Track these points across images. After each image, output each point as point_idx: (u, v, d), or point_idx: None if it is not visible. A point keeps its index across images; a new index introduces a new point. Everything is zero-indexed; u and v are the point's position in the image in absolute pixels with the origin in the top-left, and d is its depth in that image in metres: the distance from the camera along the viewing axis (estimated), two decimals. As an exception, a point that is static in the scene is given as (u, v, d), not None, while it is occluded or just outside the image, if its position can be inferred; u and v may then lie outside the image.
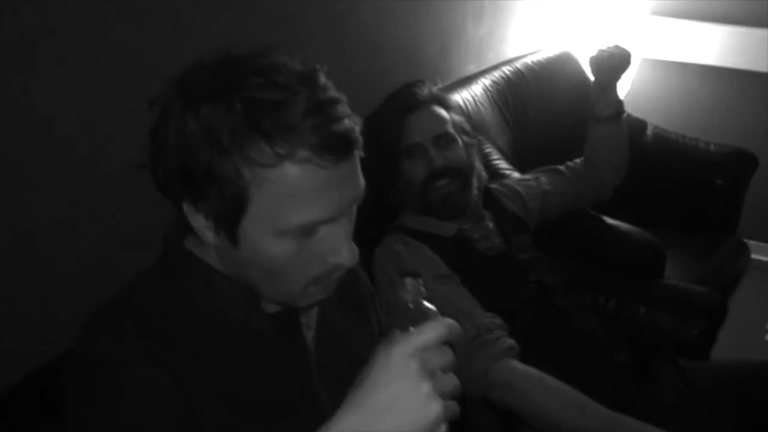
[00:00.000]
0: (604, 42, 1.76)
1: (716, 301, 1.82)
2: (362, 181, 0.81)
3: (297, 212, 0.76)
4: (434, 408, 0.64)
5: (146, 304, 0.84)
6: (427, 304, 0.72)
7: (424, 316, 0.71)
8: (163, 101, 0.78)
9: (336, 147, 0.74)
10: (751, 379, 1.53)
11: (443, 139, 1.54)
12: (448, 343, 0.68)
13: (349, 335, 1.00)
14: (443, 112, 1.58)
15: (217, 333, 0.85)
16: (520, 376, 1.34)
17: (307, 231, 0.78)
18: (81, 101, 1.27)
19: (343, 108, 0.77)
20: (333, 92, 0.77)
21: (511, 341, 1.38)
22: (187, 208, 0.79)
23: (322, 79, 0.77)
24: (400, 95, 1.59)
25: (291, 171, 0.73)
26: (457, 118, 1.62)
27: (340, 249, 0.81)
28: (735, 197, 2.53)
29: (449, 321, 0.68)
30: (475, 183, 1.59)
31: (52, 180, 1.26)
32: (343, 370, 0.94)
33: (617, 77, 1.74)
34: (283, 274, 0.81)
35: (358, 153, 0.79)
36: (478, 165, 1.64)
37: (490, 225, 1.62)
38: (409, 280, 0.72)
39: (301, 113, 0.72)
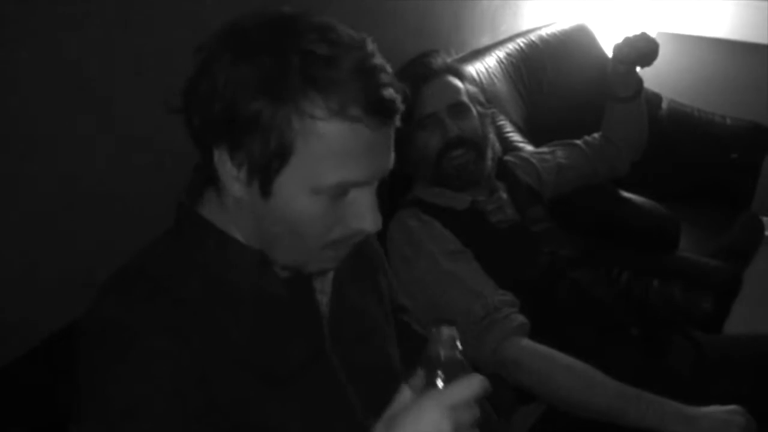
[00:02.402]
0: (632, 30, 1.72)
1: (730, 274, 1.81)
2: (393, 152, 0.82)
3: (337, 170, 0.77)
4: None
5: (159, 269, 0.84)
6: (458, 356, 0.72)
7: (456, 369, 0.71)
8: (208, 50, 0.78)
9: (384, 109, 0.76)
10: (765, 353, 1.53)
11: (458, 109, 1.53)
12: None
13: (361, 301, 1.00)
14: (458, 82, 1.57)
15: (230, 296, 0.85)
16: (529, 354, 1.33)
17: (340, 191, 0.79)
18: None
19: (391, 76, 0.78)
20: (380, 60, 0.78)
21: (520, 318, 1.37)
22: (219, 157, 0.79)
23: (371, 45, 0.78)
24: (414, 65, 1.57)
25: (340, 128, 0.75)
26: (471, 88, 1.60)
27: (365, 214, 0.82)
28: (750, 171, 2.52)
29: (482, 379, 0.69)
30: (489, 154, 1.58)
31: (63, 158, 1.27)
32: (355, 335, 0.95)
33: (640, 66, 1.72)
34: (305, 232, 0.81)
35: (397, 122, 0.80)
36: (492, 136, 1.62)
37: (504, 196, 1.62)
38: (445, 330, 0.71)
39: (354, 71, 0.74)
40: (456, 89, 1.55)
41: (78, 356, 0.79)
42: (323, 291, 0.94)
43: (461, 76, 1.60)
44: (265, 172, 0.77)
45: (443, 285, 1.40)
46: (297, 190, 0.78)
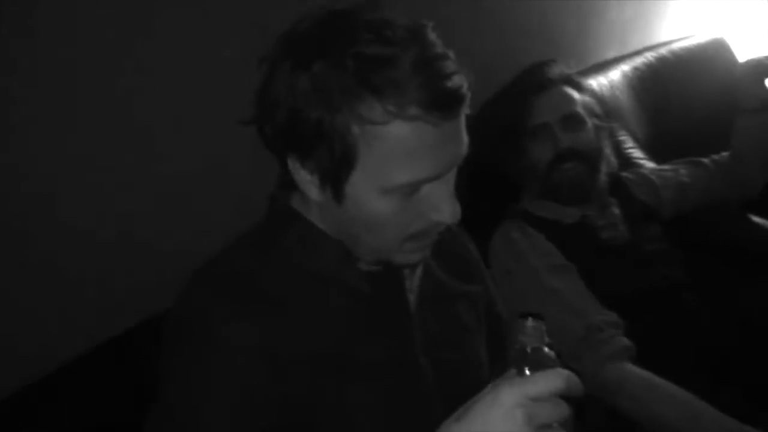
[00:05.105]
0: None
1: None
2: (466, 138, 0.80)
3: (404, 170, 0.76)
4: None
5: (245, 261, 0.87)
6: (546, 350, 0.68)
7: (542, 363, 0.67)
8: (271, 59, 0.79)
9: (445, 104, 0.74)
10: None
11: (571, 120, 1.49)
12: (567, 396, 0.64)
13: (453, 303, 1.00)
14: (574, 93, 1.52)
15: (316, 289, 0.86)
16: (631, 380, 1.27)
17: (412, 189, 0.79)
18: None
19: (452, 64, 0.76)
20: (441, 48, 0.76)
21: (624, 341, 1.31)
22: (292, 164, 0.81)
23: (431, 34, 0.77)
24: (529, 74, 1.55)
25: (401, 129, 0.74)
26: (588, 99, 1.55)
27: (442, 206, 0.81)
28: None
29: (568, 373, 0.64)
30: (603, 169, 1.53)
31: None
32: (444, 336, 0.95)
33: None
34: (383, 229, 0.82)
35: (465, 110, 0.78)
36: (608, 151, 1.57)
37: (617, 212, 1.55)
38: (530, 323, 0.68)
39: (411, 69, 0.72)
40: (571, 100, 1.51)
41: (162, 343, 0.83)
42: (411, 289, 0.93)
43: (578, 87, 1.55)
44: (335, 178, 0.78)
45: (543, 301, 1.37)
46: (368, 193, 0.78)
